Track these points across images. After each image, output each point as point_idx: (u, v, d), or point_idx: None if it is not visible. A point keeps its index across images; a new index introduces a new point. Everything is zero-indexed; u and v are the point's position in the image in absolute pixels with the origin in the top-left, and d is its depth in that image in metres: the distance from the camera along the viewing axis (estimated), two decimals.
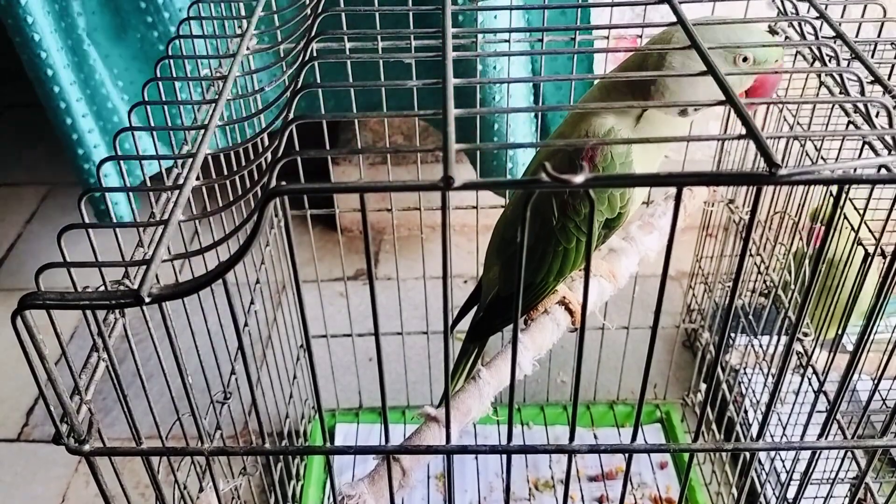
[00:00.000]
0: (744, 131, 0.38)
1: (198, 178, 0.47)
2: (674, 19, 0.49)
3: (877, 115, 0.53)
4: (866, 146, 0.60)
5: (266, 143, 0.75)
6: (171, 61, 0.63)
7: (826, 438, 0.49)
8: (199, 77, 0.65)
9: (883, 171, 0.44)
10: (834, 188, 0.76)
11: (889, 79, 0.55)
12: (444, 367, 0.43)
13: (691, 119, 0.63)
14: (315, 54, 0.66)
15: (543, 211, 0.64)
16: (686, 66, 0.58)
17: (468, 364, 0.76)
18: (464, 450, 0.48)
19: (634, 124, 0.62)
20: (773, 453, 0.97)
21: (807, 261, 0.90)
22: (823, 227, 0.86)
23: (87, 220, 0.48)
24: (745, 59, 0.57)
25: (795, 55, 0.78)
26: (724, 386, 1.04)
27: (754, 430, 1.01)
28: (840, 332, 0.66)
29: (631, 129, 0.62)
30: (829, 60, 0.62)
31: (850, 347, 0.48)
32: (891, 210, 0.68)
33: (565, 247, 0.65)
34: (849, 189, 0.71)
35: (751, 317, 1.00)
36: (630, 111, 0.61)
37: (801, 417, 0.87)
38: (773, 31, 0.77)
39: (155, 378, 0.51)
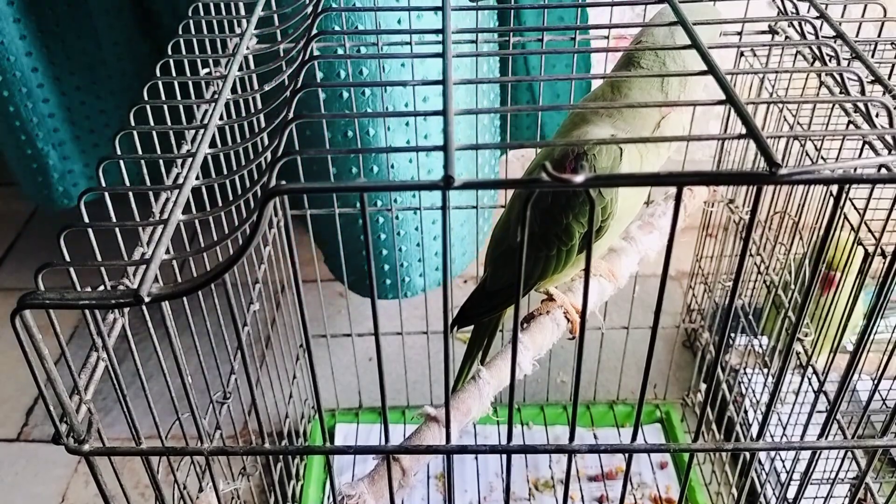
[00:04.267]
0: (744, 131, 0.38)
1: (197, 178, 0.47)
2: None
3: (877, 115, 0.53)
4: (866, 146, 0.60)
5: (266, 142, 0.75)
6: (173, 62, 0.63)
7: (826, 438, 0.49)
8: (200, 77, 0.65)
9: (883, 170, 0.44)
10: (834, 188, 0.76)
11: (889, 78, 0.55)
12: (444, 367, 0.43)
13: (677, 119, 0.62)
14: (315, 53, 0.66)
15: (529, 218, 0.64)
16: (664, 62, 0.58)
17: (472, 367, 0.76)
18: (464, 450, 0.48)
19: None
20: (773, 453, 0.97)
21: (807, 261, 0.90)
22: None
23: (86, 220, 0.48)
24: None
25: (796, 55, 0.78)
26: (724, 386, 1.04)
27: (754, 430, 1.01)
28: (839, 335, 0.66)
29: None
30: (830, 60, 0.62)
31: (850, 348, 0.48)
32: (891, 210, 0.68)
33: (547, 253, 0.64)
34: (849, 189, 0.71)
35: (751, 317, 1.00)
36: (625, 121, 0.60)
37: (801, 417, 0.87)
38: (773, 31, 0.77)
39: (155, 378, 0.51)
